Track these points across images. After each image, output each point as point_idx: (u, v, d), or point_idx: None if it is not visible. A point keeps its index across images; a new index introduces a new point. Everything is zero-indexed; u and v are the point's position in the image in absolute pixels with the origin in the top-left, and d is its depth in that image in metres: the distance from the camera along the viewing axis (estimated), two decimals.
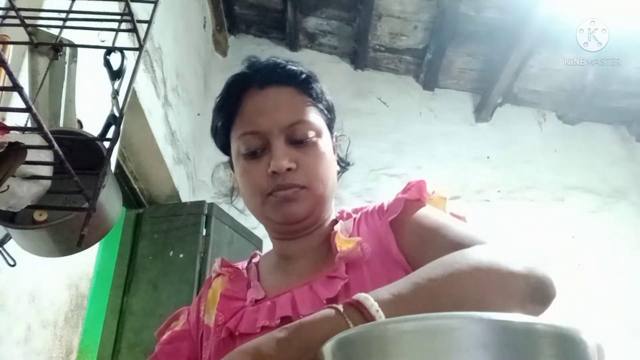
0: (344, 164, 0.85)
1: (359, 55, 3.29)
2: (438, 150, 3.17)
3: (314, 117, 0.76)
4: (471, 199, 2.99)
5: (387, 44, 3.23)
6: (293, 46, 3.35)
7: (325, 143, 0.76)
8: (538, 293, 0.53)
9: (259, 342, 0.50)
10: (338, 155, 0.83)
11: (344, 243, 0.71)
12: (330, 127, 0.80)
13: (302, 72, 0.78)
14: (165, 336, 0.81)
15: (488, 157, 3.20)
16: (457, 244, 0.59)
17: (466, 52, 3.13)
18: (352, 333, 0.33)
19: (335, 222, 0.79)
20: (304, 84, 0.77)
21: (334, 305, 0.50)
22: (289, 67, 0.77)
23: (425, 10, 2.95)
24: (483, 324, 0.28)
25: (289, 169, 0.71)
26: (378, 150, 3.08)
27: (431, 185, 0.74)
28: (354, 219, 0.79)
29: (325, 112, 0.79)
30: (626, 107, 3.23)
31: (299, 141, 0.73)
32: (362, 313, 0.48)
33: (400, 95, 3.36)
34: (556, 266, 2.72)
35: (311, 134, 0.74)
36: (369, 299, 0.49)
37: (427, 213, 0.69)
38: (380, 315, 0.48)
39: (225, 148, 0.82)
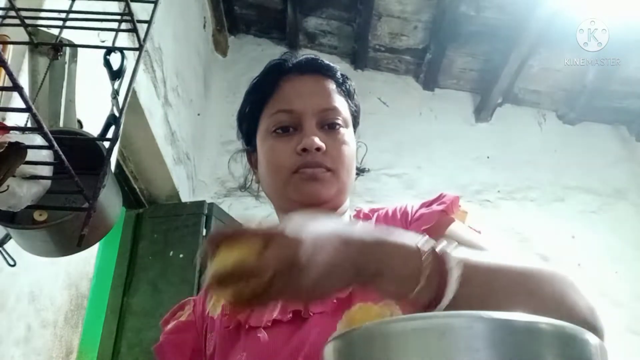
0: (359, 171, 0.87)
1: (359, 55, 3.29)
2: (438, 150, 3.17)
3: (345, 109, 0.80)
4: (471, 199, 2.99)
5: (387, 44, 3.22)
6: (293, 46, 3.34)
7: (350, 136, 0.79)
8: (594, 333, 0.53)
9: (350, 233, 0.49)
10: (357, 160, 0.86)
11: None
12: (354, 127, 0.84)
13: (338, 70, 0.83)
14: (170, 326, 0.81)
15: (488, 157, 3.20)
16: None
17: (466, 52, 3.13)
18: (355, 332, 0.33)
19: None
20: (339, 80, 0.82)
21: (421, 244, 0.50)
22: (327, 62, 0.82)
23: (425, 10, 2.95)
24: (486, 323, 0.28)
25: (318, 149, 0.72)
26: (378, 150, 3.07)
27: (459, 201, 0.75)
28: (372, 220, 0.79)
29: (354, 109, 0.83)
30: (626, 107, 3.23)
31: (329, 126, 0.76)
32: (441, 267, 0.48)
33: (400, 95, 3.36)
34: (556, 266, 2.71)
35: (341, 122, 0.77)
36: (451, 256, 0.48)
37: (460, 231, 0.70)
38: (453, 275, 0.47)
39: (249, 134, 0.84)
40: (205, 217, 2.32)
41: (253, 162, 0.85)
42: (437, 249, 0.50)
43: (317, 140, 0.72)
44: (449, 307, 0.48)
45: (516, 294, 0.51)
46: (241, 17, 3.35)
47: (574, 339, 0.29)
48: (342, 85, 0.82)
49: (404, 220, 0.75)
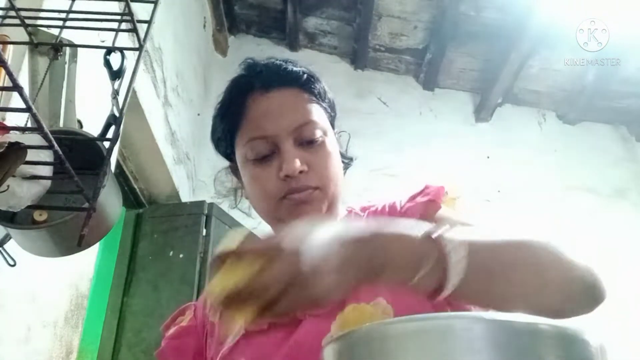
0: (347, 160, 0.84)
1: (359, 55, 3.29)
2: (438, 150, 3.17)
3: (320, 116, 0.75)
4: (471, 199, 2.99)
5: (387, 44, 3.22)
6: (293, 46, 3.34)
7: (332, 142, 0.76)
8: (594, 290, 0.56)
9: (343, 233, 0.50)
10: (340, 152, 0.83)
11: None
12: (333, 124, 0.80)
13: (304, 72, 0.77)
14: (171, 331, 0.81)
15: (488, 157, 3.20)
16: None
17: (466, 52, 3.13)
18: (354, 334, 0.33)
19: None
20: (307, 84, 0.76)
21: (419, 231, 0.51)
22: (290, 67, 0.77)
23: (425, 10, 2.95)
24: (486, 324, 0.28)
25: (301, 172, 0.70)
26: (378, 150, 3.07)
27: (446, 188, 0.75)
28: (363, 217, 0.78)
29: (329, 109, 0.79)
30: (626, 107, 3.23)
31: (308, 142, 0.72)
32: (440, 255, 0.49)
33: (400, 95, 3.36)
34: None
35: (319, 133, 0.73)
36: (450, 243, 0.49)
37: (447, 216, 0.70)
38: (451, 261, 0.48)
39: (228, 154, 0.81)
40: (205, 217, 2.31)
41: (239, 178, 0.82)
42: (436, 234, 0.50)
43: (298, 164, 0.69)
44: (456, 291, 0.49)
45: (519, 266, 0.53)
46: (241, 17, 3.35)
47: (575, 339, 0.29)
48: (312, 90, 0.77)
49: (392, 215, 0.75)
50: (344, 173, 0.82)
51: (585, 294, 0.56)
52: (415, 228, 0.51)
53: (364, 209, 0.81)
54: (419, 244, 0.50)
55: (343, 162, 0.82)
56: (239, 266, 0.46)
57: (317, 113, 0.75)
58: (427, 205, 0.71)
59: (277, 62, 0.78)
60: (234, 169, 0.83)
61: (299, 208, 0.71)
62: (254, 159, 0.73)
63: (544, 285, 0.53)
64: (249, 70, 0.79)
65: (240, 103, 0.75)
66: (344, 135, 0.86)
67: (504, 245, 0.54)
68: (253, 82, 0.76)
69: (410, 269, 0.49)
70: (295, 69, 0.77)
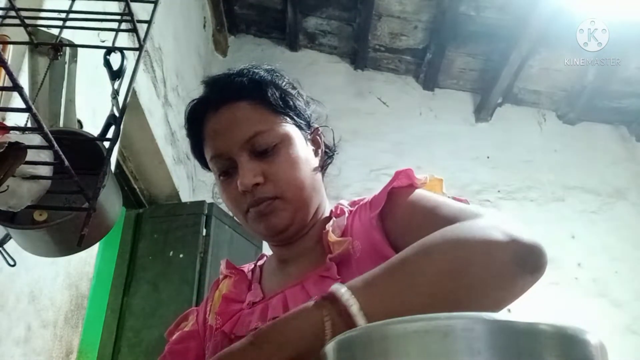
0: (330, 153, 0.83)
1: (359, 55, 3.29)
2: (438, 150, 3.17)
3: (273, 124, 0.74)
4: (471, 199, 2.98)
5: (387, 44, 3.22)
6: (293, 46, 3.34)
7: (293, 146, 0.74)
8: (525, 261, 0.50)
9: (231, 348, 0.49)
10: (326, 146, 0.82)
11: (335, 243, 0.70)
12: (300, 126, 0.77)
13: (252, 81, 0.75)
14: (175, 336, 0.81)
15: (488, 157, 3.20)
16: (453, 222, 0.56)
17: (466, 52, 3.13)
18: (354, 334, 0.33)
19: (328, 219, 0.77)
20: (256, 94, 0.74)
21: (311, 300, 0.49)
22: (237, 80, 0.75)
23: (425, 10, 2.95)
24: (487, 325, 0.28)
25: (257, 184, 0.70)
26: (378, 150, 3.07)
27: (421, 173, 0.73)
28: (350, 212, 0.77)
29: (290, 113, 0.76)
30: (626, 107, 3.23)
31: (262, 152, 0.72)
32: (336, 304, 0.47)
33: (400, 95, 3.36)
34: (556, 266, 2.72)
35: (274, 141, 0.72)
36: (341, 290, 0.47)
37: (420, 196, 0.68)
38: (351, 304, 0.46)
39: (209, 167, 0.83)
40: (205, 217, 2.32)
41: None
42: (327, 292, 0.48)
43: (250, 179, 0.69)
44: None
45: (422, 285, 0.48)
46: (241, 17, 3.35)
47: (575, 339, 0.29)
48: (263, 98, 0.74)
49: (371, 208, 0.73)
50: (325, 168, 0.82)
51: (517, 268, 0.49)
52: (308, 302, 0.49)
53: (353, 203, 0.79)
54: (315, 311, 0.47)
55: (326, 154, 0.81)
56: None
57: (269, 122, 0.73)
58: (390, 193, 0.70)
59: (229, 76, 0.77)
60: None
61: (262, 220, 0.72)
62: (219, 175, 0.75)
63: (472, 277, 0.48)
64: (205, 89, 0.80)
65: (197, 127, 0.78)
66: (329, 130, 0.85)
67: (413, 263, 0.50)
68: (205, 103, 0.77)
69: (315, 338, 0.46)
70: (241, 79, 0.75)
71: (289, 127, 0.75)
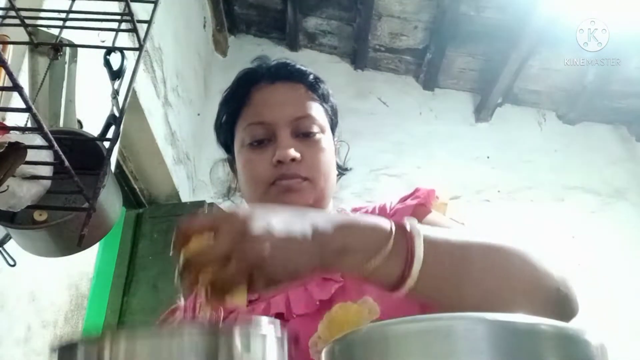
0: (341, 170, 0.86)
1: (359, 55, 3.29)
2: (438, 150, 3.17)
3: (320, 114, 0.78)
4: (471, 199, 2.99)
5: (387, 44, 3.22)
6: (293, 46, 3.34)
7: (328, 140, 0.78)
8: (564, 302, 0.53)
9: (318, 218, 0.50)
10: (337, 164, 0.85)
11: None
12: (332, 129, 0.82)
13: (310, 73, 0.81)
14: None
15: (488, 157, 3.20)
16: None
17: (466, 52, 3.12)
18: (355, 335, 0.33)
19: None
20: (312, 84, 0.80)
21: (388, 222, 0.51)
22: (298, 66, 0.81)
23: (425, 10, 2.95)
24: (489, 325, 0.28)
25: (293, 159, 0.72)
26: (378, 150, 3.07)
27: (437, 192, 0.75)
28: None
29: (330, 113, 0.81)
30: (626, 107, 3.23)
31: (304, 134, 0.75)
32: (407, 241, 0.49)
33: (400, 95, 3.36)
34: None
35: (316, 129, 0.76)
36: (419, 232, 0.49)
37: (436, 220, 0.70)
38: (419, 245, 0.48)
39: (227, 144, 0.84)
40: None
41: (234, 170, 0.85)
42: (401, 223, 0.50)
43: (292, 151, 0.72)
44: (418, 286, 0.48)
45: (487, 269, 0.51)
46: (241, 17, 3.34)
47: (576, 340, 0.29)
48: (316, 90, 0.80)
49: (384, 216, 0.75)
50: (337, 180, 0.84)
51: (555, 305, 0.53)
52: (382, 219, 0.51)
53: (355, 210, 0.81)
54: (381, 230, 0.49)
55: (338, 171, 0.84)
56: (199, 238, 0.47)
57: (317, 111, 0.78)
58: (416, 208, 0.71)
59: (286, 60, 0.82)
60: (231, 162, 0.85)
61: (286, 195, 0.72)
62: (250, 143, 0.76)
63: (511, 292, 0.51)
64: (257, 63, 0.82)
65: (245, 91, 0.79)
66: (344, 146, 0.88)
67: (475, 247, 0.53)
68: (260, 73, 0.80)
69: (371, 255, 0.48)
70: (302, 68, 0.81)
71: (327, 124, 0.80)
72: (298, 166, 0.72)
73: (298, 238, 0.47)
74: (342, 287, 0.67)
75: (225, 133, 0.83)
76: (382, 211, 0.76)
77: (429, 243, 0.49)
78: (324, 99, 0.80)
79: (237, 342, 0.36)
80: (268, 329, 0.37)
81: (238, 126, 0.79)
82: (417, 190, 0.75)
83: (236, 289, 0.46)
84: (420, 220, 0.69)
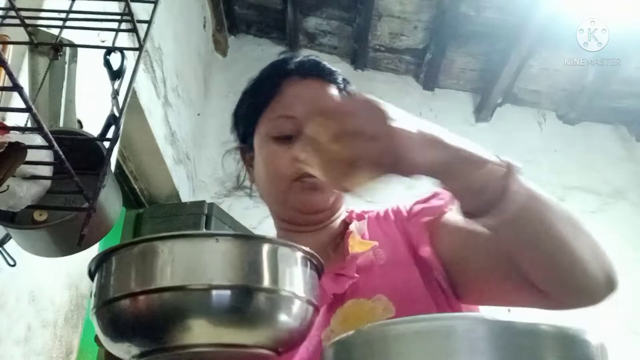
0: None
1: (359, 55, 3.29)
2: None
3: None
4: None
5: (387, 44, 3.22)
6: (293, 46, 3.34)
7: None
8: (611, 282, 0.62)
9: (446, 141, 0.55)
10: None
11: (357, 244, 0.72)
12: None
13: (340, 74, 0.82)
14: None
15: None
16: None
17: (466, 52, 3.12)
18: (355, 335, 0.33)
19: (345, 221, 0.79)
20: (342, 84, 0.80)
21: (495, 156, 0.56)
22: (329, 65, 0.81)
23: (425, 10, 2.95)
24: (488, 325, 0.28)
25: None
26: None
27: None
28: (369, 218, 0.79)
29: None
30: (626, 107, 3.23)
31: None
32: (512, 175, 0.54)
33: (400, 95, 3.36)
34: None
35: None
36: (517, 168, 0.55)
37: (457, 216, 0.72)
38: (518, 187, 0.54)
39: (245, 134, 0.83)
40: (205, 217, 2.31)
41: (247, 161, 0.84)
42: (510, 165, 0.55)
43: None
44: (506, 223, 0.53)
45: (566, 220, 0.58)
46: (241, 17, 3.34)
47: (576, 340, 0.29)
48: (344, 90, 0.80)
49: (400, 218, 0.75)
50: None
51: (606, 280, 0.61)
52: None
53: (364, 213, 0.81)
54: (492, 162, 0.55)
55: None
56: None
57: None
58: (442, 209, 0.72)
59: (317, 58, 0.82)
60: (244, 151, 0.85)
61: (308, 193, 0.72)
62: (276, 136, 0.75)
63: (584, 248, 0.58)
64: (288, 57, 0.82)
65: (275, 83, 0.78)
66: None
67: (553, 201, 0.59)
68: (291, 67, 0.79)
69: (474, 171, 0.53)
70: (333, 68, 0.82)
71: None
72: None
73: (429, 137, 0.52)
74: (356, 284, 0.68)
75: (245, 121, 0.82)
76: (398, 215, 0.77)
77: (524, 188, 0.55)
78: None
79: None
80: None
81: (264, 117, 0.78)
82: (437, 193, 0.75)
83: (362, 171, 0.50)
84: (442, 219, 0.71)
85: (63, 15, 0.66)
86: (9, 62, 0.67)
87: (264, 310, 0.39)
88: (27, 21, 0.68)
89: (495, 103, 3.27)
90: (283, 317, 0.41)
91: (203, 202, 2.37)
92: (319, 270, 0.47)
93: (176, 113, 2.41)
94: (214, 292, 0.38)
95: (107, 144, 0.59)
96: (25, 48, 0.75)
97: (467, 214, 0.55)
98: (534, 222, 0.55)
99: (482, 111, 3.30)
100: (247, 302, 0.38)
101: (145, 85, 1.97)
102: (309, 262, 0.45)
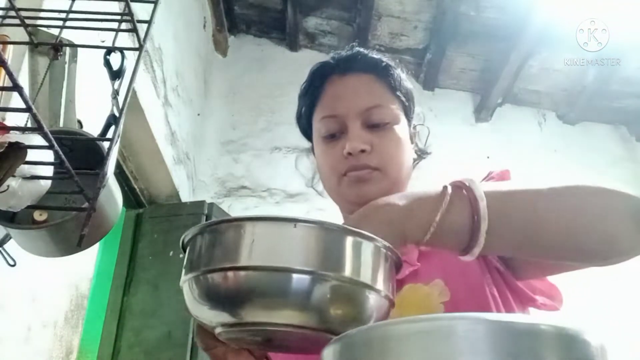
0: (420, 153, 0.89)
1: None
2: (438, 150, 3.16)
3: (391, 103, 0.79)
4: None
5: (387, 44, 3.22)
6: (293, 46, 3.34)
7: (401, 129, 0.79)
8: (635, 222, 0.55)
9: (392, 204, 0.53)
10: (417, 145, 0.87)
11: None
12: (407, 115, 0.83)
13: (382, 61, 0.82)
14: None
15: (488, 157, 3.20)
16: None
17: (466, 52, 3.12)
18: (354, 335, 0.33)
19: None
20: (383, 72, 0.81)
21: (444, 185, 0.54)
22: (369, 55, 0.83)
23: (425, 10, 2.95)
24: (488, 326, 0.28)
25: (362, 151, 0.74)
26: None
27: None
28: None
29: (403, 99, 0.82)
30: (626, 107, 3.23)
31: (374, 125, 0.76)
32: (468, 195, 0.51)
33: None
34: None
35: (387, 119, 0.77)
36: (475, 183, 0.52)
37: None
38: (482, 198, 0.50)
39: (307, 133, 0.87)
40: (205, 217, 2.31)
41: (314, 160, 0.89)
42: (459, 181, 0.53)
43: (359, 144, 0.73)
44: (490, 238, 0.50)
45: (560, 201, 0.55)
46: (241, 17, 3.34)
47: (576, 340, 0.29)
48: (387, 78, 0.81)
49: None
50: (416, 164, 0.86)
51: (632, 216, 0.55)
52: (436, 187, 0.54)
53: None
54: (439, 192, 0.52)
55: (417, 154, 0.87)
56: None
57: (388, 100, 0.79)
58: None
59: (360, 50, 0.85)
60: (313, 149, 0.88)
61: (357, 186, 0.74)
62: (325, 136, 0.79)
63: (596, 209, 0.55)
64: (332, 56, 0.86)
65: (318, 84, 0.82)
66: (424, 130, 0.91)
67: (540, 190, 0.56)
68: (332, 66, 0.83)
69: (430, 211, 0.51)
70: (374, 57, 0.83)
71: (401, 112, 0.80)
72: (368, 157, 0.74)
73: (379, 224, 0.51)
74: (416, 271, 0.71)
75: (304, 124, 0.86)
76: None
77: (491, 196, 0.52)
78: (395, 86, 0.81)
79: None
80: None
81: (314, 119, 0.82)
82: (490, 173, 0.79)
83: None
84: None
85: (63, 15, 0.66)
86: (9, 62, 0.67)
87: (337, 299, 0.41)
88: (27, 21, 0.68)
89: (495, 103, 3.27)
90: (356, 308, 0.42)
91: (203, 202, 2.37)
92: (397, 265, 0.48)
93: (176, 113, 2.41)
94: (295, 276, 0.40)
95: (107, 144, 0.59)
96: (25, 48, 0.75)
97: (463, 253, 0.53)
98: (518, 230, 0.53)
99: (482, 111, 3.30)
100: (323, 289, 0.41)
101: (145, 85, 1.97)
102: (388, 257, 0.46)
